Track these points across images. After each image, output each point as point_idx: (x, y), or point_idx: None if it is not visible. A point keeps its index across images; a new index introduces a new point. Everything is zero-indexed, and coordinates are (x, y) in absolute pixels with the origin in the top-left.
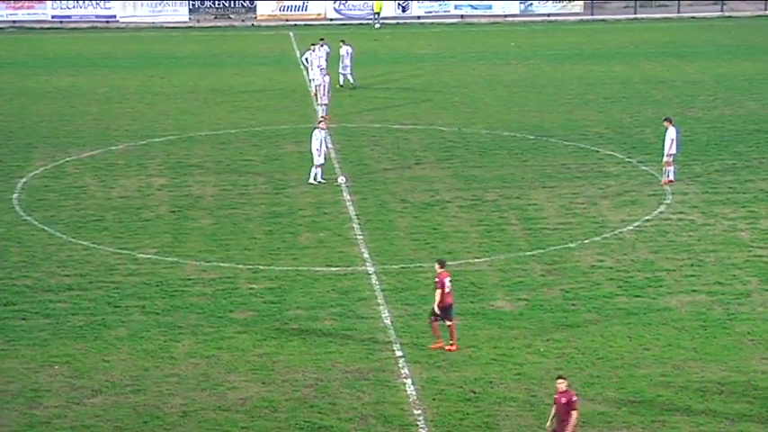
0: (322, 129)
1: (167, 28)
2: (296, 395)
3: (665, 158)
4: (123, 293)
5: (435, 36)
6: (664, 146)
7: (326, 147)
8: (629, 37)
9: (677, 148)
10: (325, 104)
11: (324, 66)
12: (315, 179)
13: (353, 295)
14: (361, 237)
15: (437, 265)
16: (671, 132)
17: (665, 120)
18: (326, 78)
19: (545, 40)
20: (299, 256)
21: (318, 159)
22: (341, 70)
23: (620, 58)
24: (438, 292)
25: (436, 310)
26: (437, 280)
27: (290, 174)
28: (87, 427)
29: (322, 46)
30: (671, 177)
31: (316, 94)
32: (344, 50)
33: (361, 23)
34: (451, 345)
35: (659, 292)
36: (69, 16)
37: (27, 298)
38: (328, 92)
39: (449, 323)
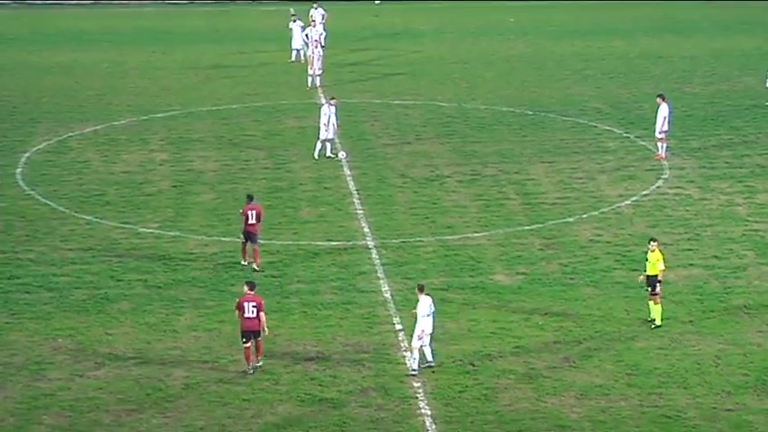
0: (331, 104)
1: (169, 3)
2: (297, 368)
3: (657, 134)
4: (126, 267)
5: (435, 12)
6: (656, 122)
7: (335, 123)
8: (628, 12)
9: (669, 125)
10: (319, 74)
11: (321, 38)
12: (318, 154)
13: (354, 269)
14: (361, 211)
15: None
16: (663, 110)
17: (659, 96)
18: (318, 51)
19: (543, 15)
20: (300, 230)
21: (324, 134)
22: (295, 46)
23: (619, 33)
24: None
25: None
26: None
27: (291, 149)
28: (90, 399)
29: (321, 16)
30: (662, 153)
31: (312, 66)
32: (297, 25)
33: None
34: None
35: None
36: None
37: (30, 272)
38: (319, 61)
39: None
